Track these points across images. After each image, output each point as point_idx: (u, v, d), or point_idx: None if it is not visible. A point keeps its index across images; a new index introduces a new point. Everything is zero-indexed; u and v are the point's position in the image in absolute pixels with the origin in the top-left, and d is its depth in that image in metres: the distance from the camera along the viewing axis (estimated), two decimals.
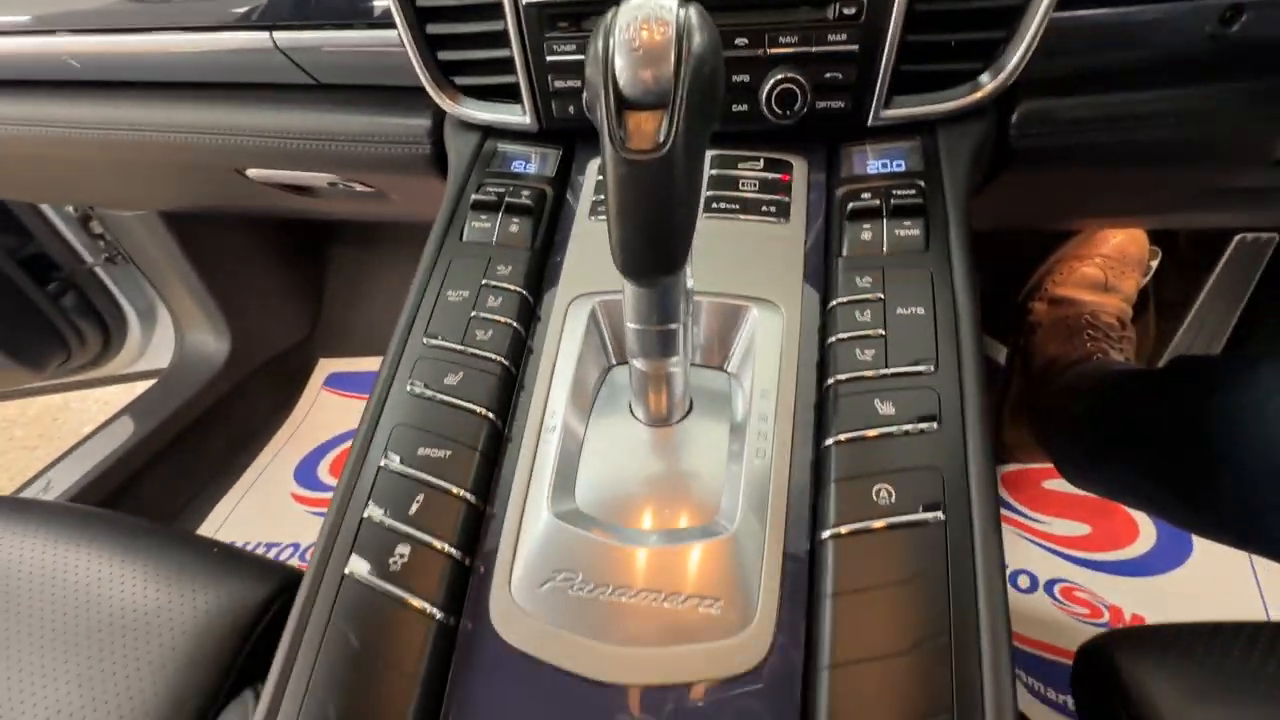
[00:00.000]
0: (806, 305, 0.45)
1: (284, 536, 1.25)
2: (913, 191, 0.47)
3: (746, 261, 0.48)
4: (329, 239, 1.53)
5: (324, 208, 0.93)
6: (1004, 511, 1.10)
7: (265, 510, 1.30)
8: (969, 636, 0.32)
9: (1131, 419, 0.76)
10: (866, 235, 0.47)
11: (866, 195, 0.48)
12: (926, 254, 0.45)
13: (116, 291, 1.40)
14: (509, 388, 0.45)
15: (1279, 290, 1.08)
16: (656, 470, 0.42)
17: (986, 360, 1.21)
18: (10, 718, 0.50)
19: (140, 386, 1.38)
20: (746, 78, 0.49)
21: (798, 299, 0.46)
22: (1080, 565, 1.03)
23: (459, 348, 0.45)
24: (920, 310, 0.42)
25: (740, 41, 0.48)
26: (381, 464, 0.41)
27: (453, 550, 0.38)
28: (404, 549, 0.38)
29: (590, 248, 0.50)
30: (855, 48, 0.47)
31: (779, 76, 0.48)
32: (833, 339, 0.43)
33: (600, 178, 0.52)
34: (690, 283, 0.36)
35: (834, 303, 0.44)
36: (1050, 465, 0.97)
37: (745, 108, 0.50)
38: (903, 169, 0.50)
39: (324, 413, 1.47)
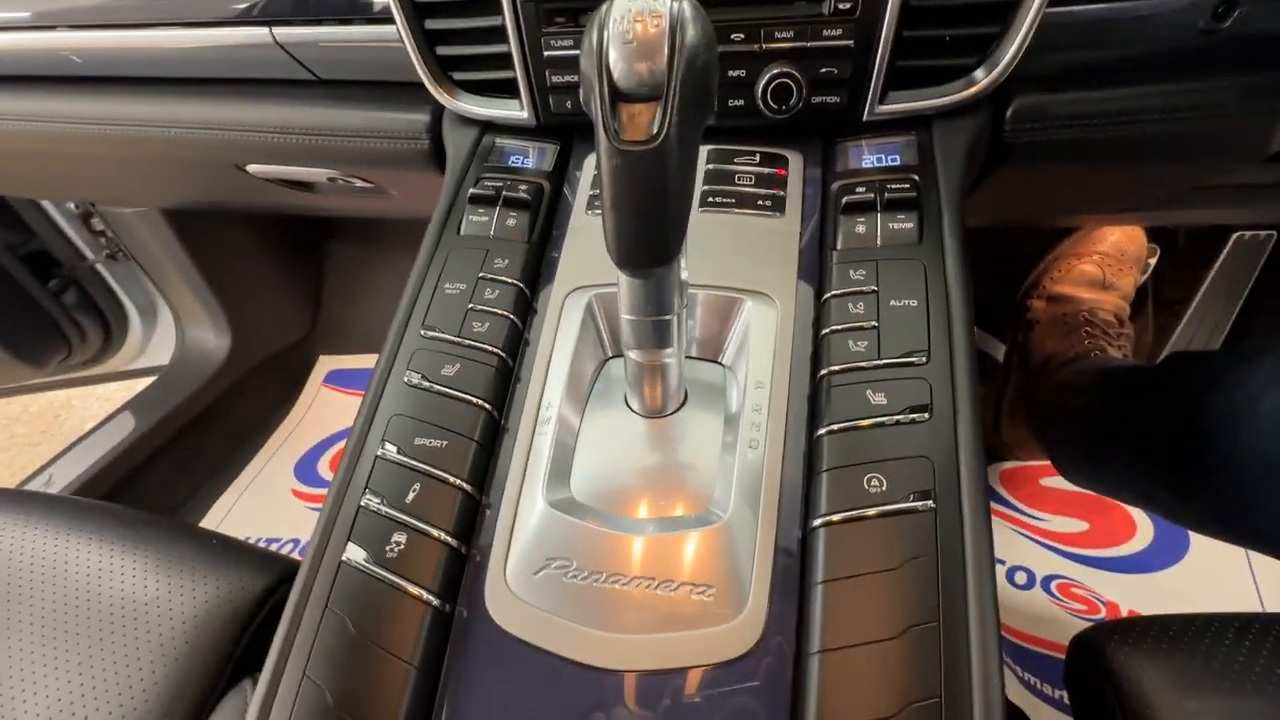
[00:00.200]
0: (801, 298, 0.46)
1: (284, 532, 1.25)
2: (907, 186, 0.48)
3: (742, 255, 0.48)
4: (329, 236, 1.54)
5: (323, 203, 0.93)
6: (1002, 508, 1.11)
7: (265, 506, 1.30)
8: (958, 622, 0.32)
9: (1128, 415, 0.76)
10: (861, 229, 0.47)
11: (861, 189, 0.49)
12: (920, 247, 0.45)
13: (117, 288, 1.41)
14: (506, 379, 0.45)
15: (1277, 287, 1.08)
16: (651, 460, 0.42)
17: (984, 356, 1.22)
18: (12, 706, 0.50)
19: (141, 383, 1.39)
20: (742, 72, 0.49)
21: (792, 292, 0.46)
22: (1077, 562, 1.04)
23: (456, 339, 0.46)
24: (913, 302, 0.43)
25: (736, 36, 0.48)
26: (379, 453, 0.42)
27: (449, 538, 0.39)
28: (400, 537, 0.39)
29: (587, 241, 0.51)
30: (850, 43, 0.47)
31: (775, 71, 0.49)
32: (826, 331, 0.43)
33: (597, 172, 0.53)
34: (685, 275, 0.36)
35: (828, 295, 0.45)
36: (1048, 462, 0.97)
37: (741, 102, 0.51)
38: (897, 163, 0.50)
39: (324, 409, 1.48)
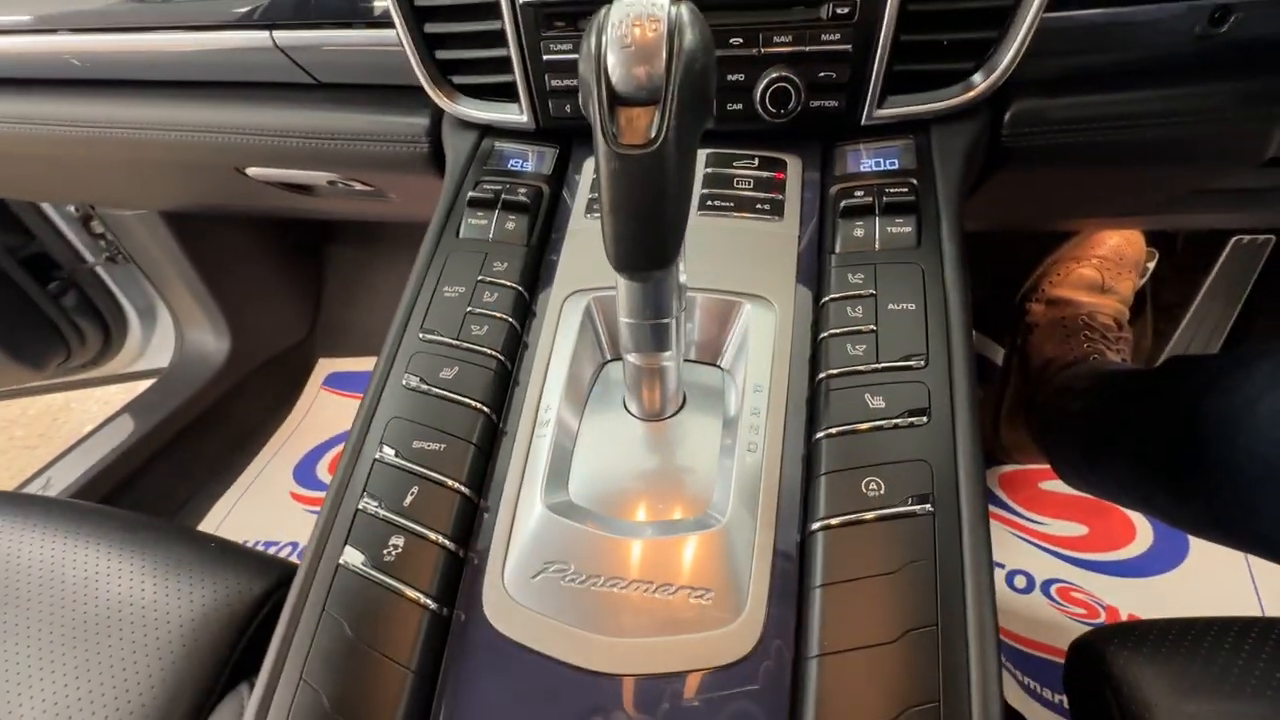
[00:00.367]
0: (799, 301, 0.46)
1: (282, 535, 1.25)
2: (905, 190, 0.48)
3: (741, 258, 0.48)
4: (328, 239, 1.54)
5: (323, 207, 0.94)
6: (1001, 512, 1.11)
7: (264, 509, 1.30)
8: (956, 626, 0.32)
9: (1127, 419, 0.76)
10: (859, 232, 0.47)
11: (860, 193, 0.49)
12: (918, 251, 0.45)
13: (117, 291, 1.41)
14: (504, 382, 0.45)
15: (1275, 291, 1.09)
16: (649, 464, 0.42)
17: (983, 360, 1.22)
18: (8, 709, 0.50)
19: (140, 386, 1.39)
20: (741, 77, 0.50)
21: (791, 295, 0.46)
22: (1077, 566, 1.03)
23: (455, 342, 0.46)
24: (911, 306, 0.43)
25: (735, 41, 0.48)
26: (377, 456, 0.41)
27: (446, 542, 0.39)
28: (398, 540, 0.38)
29: (586, 245, 0.51)
30: (849, 47, 0.47)
31: (773, 75, 0.49)
32: (824, 334, 0.43)
33: (595, 175, 0.53)
34: (683, 278, 0.36)
35: (826, 299, 0.45)
36: (1047, 466, 0.97)
37: (740, 107, 0.51)
38: (896, 167, 0.50)
39: (323, 412, 1.48)
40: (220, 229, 1.30)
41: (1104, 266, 1.08)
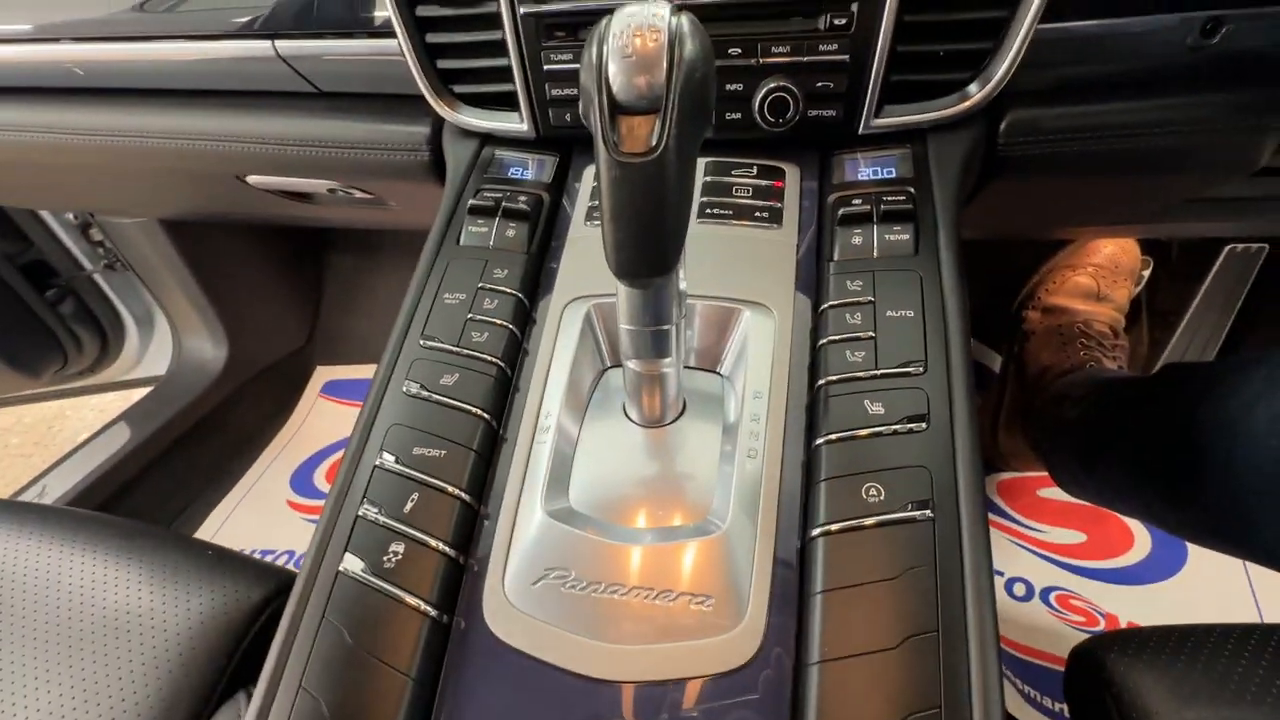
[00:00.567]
0: (798, 308, 0.46)
1: (279, 544, 1.24)
2: (903, 198, 0.48)
3: (740, 266, 0.48)
4: (327, 247, 1.54)
5: (323, 214, 0.94)
6: (1000, 519, 1.11)
7: (261, 517, 1.30)
8: (957, 632, 0.32)
9: (1123, 425, 0.77)
10: (857, 240, 0.48)
11: (857, 201, 0.49)
12: (916, 258, 0.46)
13: (115, 298, 1.41)
14: (504, 389, 0.45)
15: (1270, 299, 1.09)
16: (650, 470, 0.42)
17: (980, 367, 1.23)
18: (3, 718, 0.50)
19: (137, 394, 1.39)
20: (740, 86, 0.50)
21: (790, 302, 0.46)
22: (1076, 573, 1.03)
23: (455, 349, 0.46)
24: (909, 313, 0.43)
25: (734, 51, 0.49)
26: (377, 463, 0.41)
27: (447, 548, 0.39)
28: (398, 547, 0.38)
29: (586, 252, 0.51)
30: (846, 57, 0.48)
31: (772, 85, 0.49)
32: (823, 341, 0.43)
33: (596, 183, 0.53)
34: (683, 285, 0.36)
35: (825, 306, 0.45)
36: (1045, 473, 0.97)
37: (739, 116, 0.51)
38: (893, 176, 0.51)
39: (321, 420, 1.47)
40: (219, 236, 1.30)
41: (1099, 274, 1.08)
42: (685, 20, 0.29)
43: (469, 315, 0.48)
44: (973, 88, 0.49)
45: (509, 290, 0.49)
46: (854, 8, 0.46)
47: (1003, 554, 1.06)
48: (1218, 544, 0.66)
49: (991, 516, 1.10)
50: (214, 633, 0.53)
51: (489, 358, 0.45)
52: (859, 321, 0.43)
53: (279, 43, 0.59)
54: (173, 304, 1.36)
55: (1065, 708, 0.90)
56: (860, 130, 0.51)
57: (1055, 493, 1.08)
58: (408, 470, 0.41)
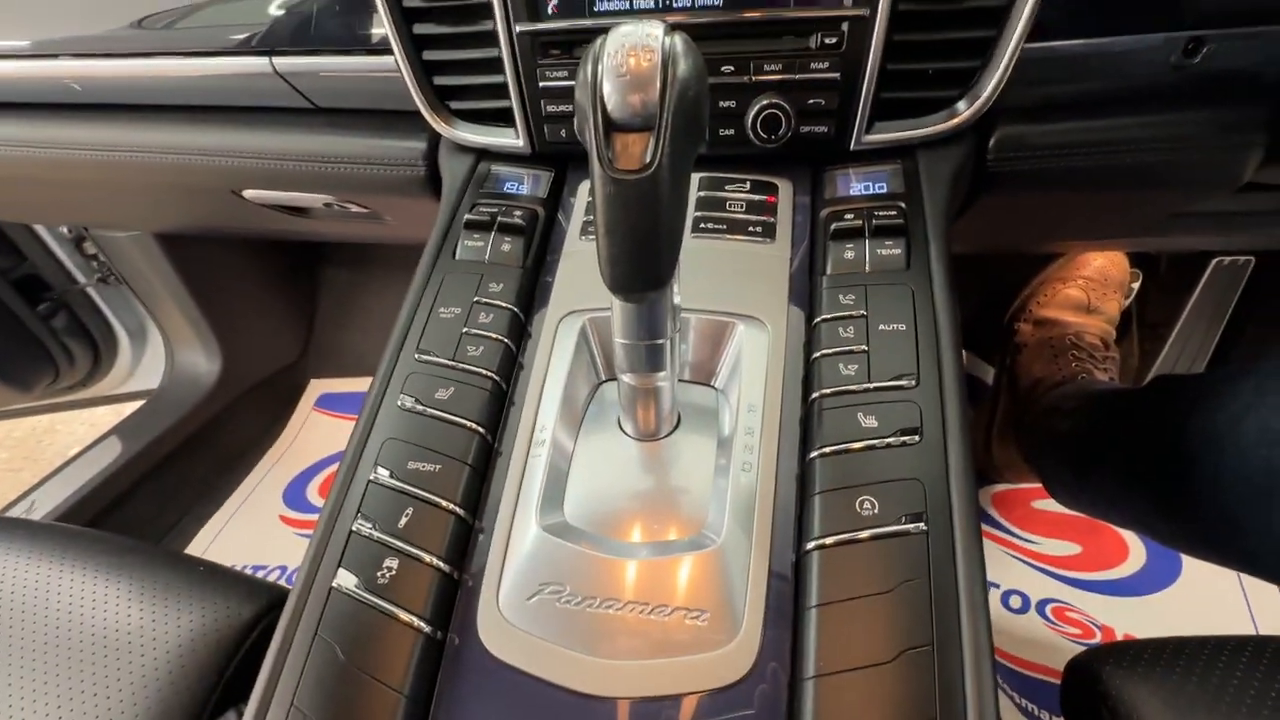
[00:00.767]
0: (792, 322, 0.47)
1: (271, 558, 1.23)
2: (894, 213, 0.49)
3: (733, 280, 0.49)
4: (321, 260, 1.54)
5: (318, 229, 0.94)
6: (994, 530, 1.11)
7: (253, 532, 1.28)
8: (952, 645, 0.32)
9: (1115, 437, 0.77)
10: (849, 254, 0.48)
11: (849, 216, 0.50)
12: (907, 272, 0.46)
13: (108, 311, 1.40)
14: (499, 403, 0.45)
15: (1258, 310, 1.11)
16: (644, 484, 0.42)
17: (973, 380, 1.24)
18: None
19: (129, 407, 1.38)
20: (733, 103, 0.51)
21: (783, 316, 0.47)
22: (1071, 585, 1.03)
23: (450, 363, 0.46)
24: (901, 326, 0.43)
25: (727, 69, 0.50)
26: (371, 478, 0.41)
27: (441, 564, 0.38)
28: (392, 562, 0.38)
29: (581, 266, 0.52)
30: (837, 75, 0.49)
31: (764, 102, 0.50)
32: (817, 354, 0.44)
33: (590, 198, 0.54)
34: (677, 299, 0.37)
35: (818, 319, 0.46)
36: (1039, 485, 0.98)
37: (732, 132, 0.52)
38: (884, 191, 0.52)
39: (314, 433, 1.46)
40: (214, 250, 1.30)
41: (1089, 287, 1.09)
42: (679, 40, 0.29)
43: (464, 329, 0.48)
44: (961, 105, 0.50)
45: (504, 304, 0.49)
46: (845, 27, 0.47)
47: (998, 565, 1.06)
48: (1209, 554, 0.66)
49: (986, 528, 1.10)
50: (205, 650, 0.52)
51: (484, 372, 0.46)
52: (852, 335, 0.44)
53: (276, 59, 0.60)
54: (166, 317, 1.35)
55: None
56: (852, 146, 0.52)
57: (1050, 504, 1.08)
58: (402, 485, 0.41)
